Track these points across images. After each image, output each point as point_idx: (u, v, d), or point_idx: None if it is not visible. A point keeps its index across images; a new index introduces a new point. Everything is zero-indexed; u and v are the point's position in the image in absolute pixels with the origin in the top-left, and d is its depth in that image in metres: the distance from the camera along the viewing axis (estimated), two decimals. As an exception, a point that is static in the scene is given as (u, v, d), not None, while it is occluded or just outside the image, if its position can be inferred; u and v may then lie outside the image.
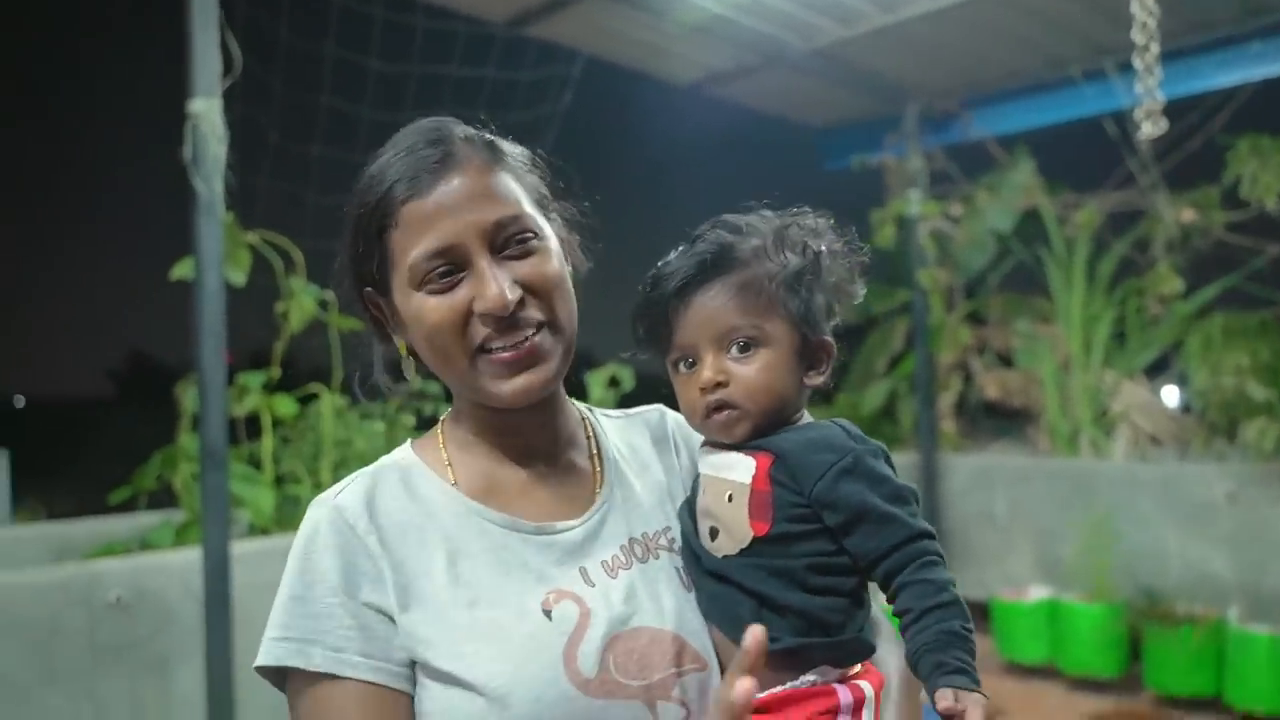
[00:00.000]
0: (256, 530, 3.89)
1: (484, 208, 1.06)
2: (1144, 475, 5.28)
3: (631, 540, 1.15)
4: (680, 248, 1.17)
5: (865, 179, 6.55)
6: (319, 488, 4.07)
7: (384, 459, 1.16)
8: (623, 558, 1.12)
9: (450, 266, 1.05)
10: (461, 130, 1.12)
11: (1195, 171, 5.57)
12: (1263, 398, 4.79)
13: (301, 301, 3.93)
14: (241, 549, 3.40)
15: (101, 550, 3.68)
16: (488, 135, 1.14)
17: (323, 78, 3.70)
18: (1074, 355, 6.09)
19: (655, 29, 4.96)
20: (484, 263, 1.05)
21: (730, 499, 1.11)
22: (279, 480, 4.14)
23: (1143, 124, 3.38)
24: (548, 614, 1.04)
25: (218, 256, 3.25)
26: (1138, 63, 3.41)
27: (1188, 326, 5.52)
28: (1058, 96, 5.66)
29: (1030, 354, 6.33)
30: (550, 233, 1.12)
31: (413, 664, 1.02)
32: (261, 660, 1.02)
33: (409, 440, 1.20)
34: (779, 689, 1.05)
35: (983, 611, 5.54)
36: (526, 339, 1.06)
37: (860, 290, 1.18)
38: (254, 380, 3.93)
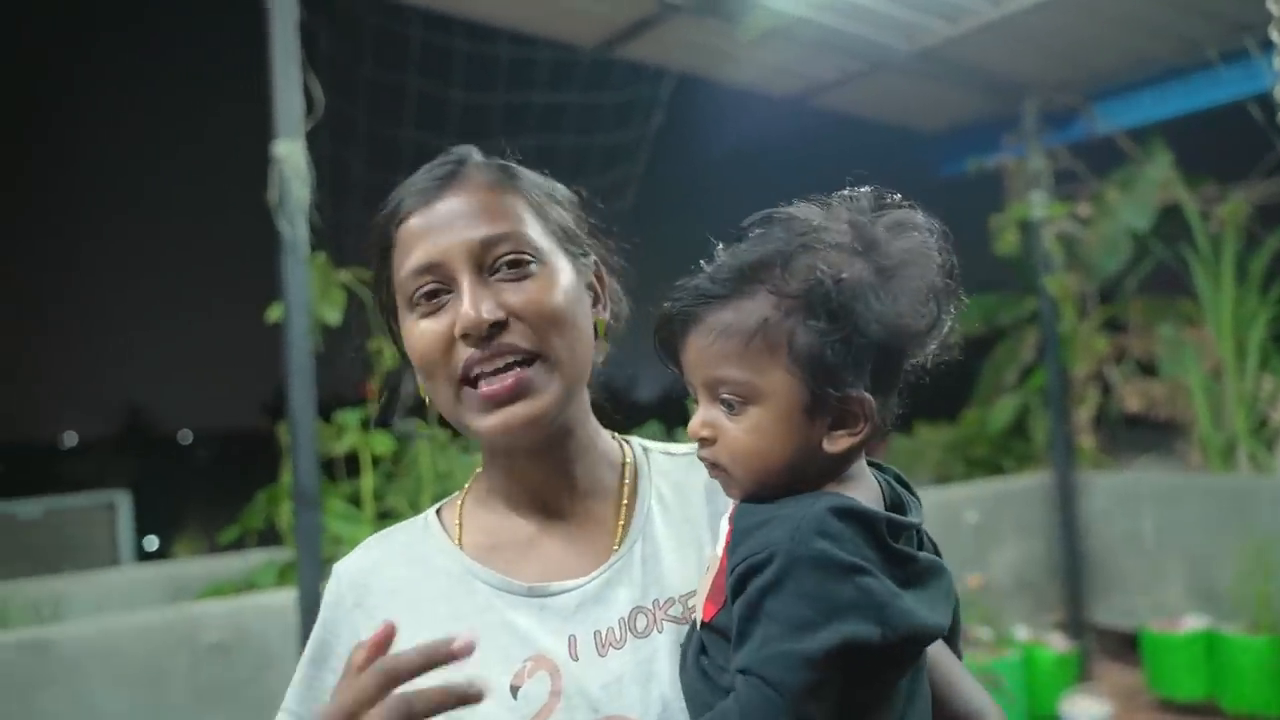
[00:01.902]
0: (358, 568, 3.89)
1: (475, 225, 0.99)
2: (1312, 492, 4.77)
3: (636, 610, 1.01)
4: (720, 247, 0.94)
5: (983, 184, 6.20)
6: (419, 524, 4.05)
7: (409, 520, 1.13)
8: (618, 633, 0.99)
9: (437, 286, 0.99)
10: (478, 155, 1.07)
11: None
12: None
13: (395, 337, 3.92)
14: (338, 589, 3.39)
15: (210, 591, 3.74)
16: (506, 161, 1.08)
17: (406, 111, 3.71)
18: (1226, 361, 5.59)
19: (746, 41, 4.80)
20: (466, 282, 0.97)
21: (707, 569, 0.95)
22: (381, 516, 4.14)
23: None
24: (514, 691, 0.96)
25: (305, 298, 3.26)
26: (1276, 36, 3.06)
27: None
28: (1192, 81, 5.23)
29: (1176, 361, 5.84)
30: (560, 264, 1.03)
31: None
32: None
33: (445, 499, 1.16)
34: None
35: (1131, 643, 5.11)
36: (511, 369, 0.97)
37: (932, 323, 0.89)
38: (351, 418, 3.95)
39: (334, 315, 3.75)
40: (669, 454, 1.15)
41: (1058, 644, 5.05)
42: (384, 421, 3.83)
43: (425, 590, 1.03)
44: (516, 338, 0.97)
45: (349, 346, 4.04)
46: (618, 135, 4.14)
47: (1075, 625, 5.40)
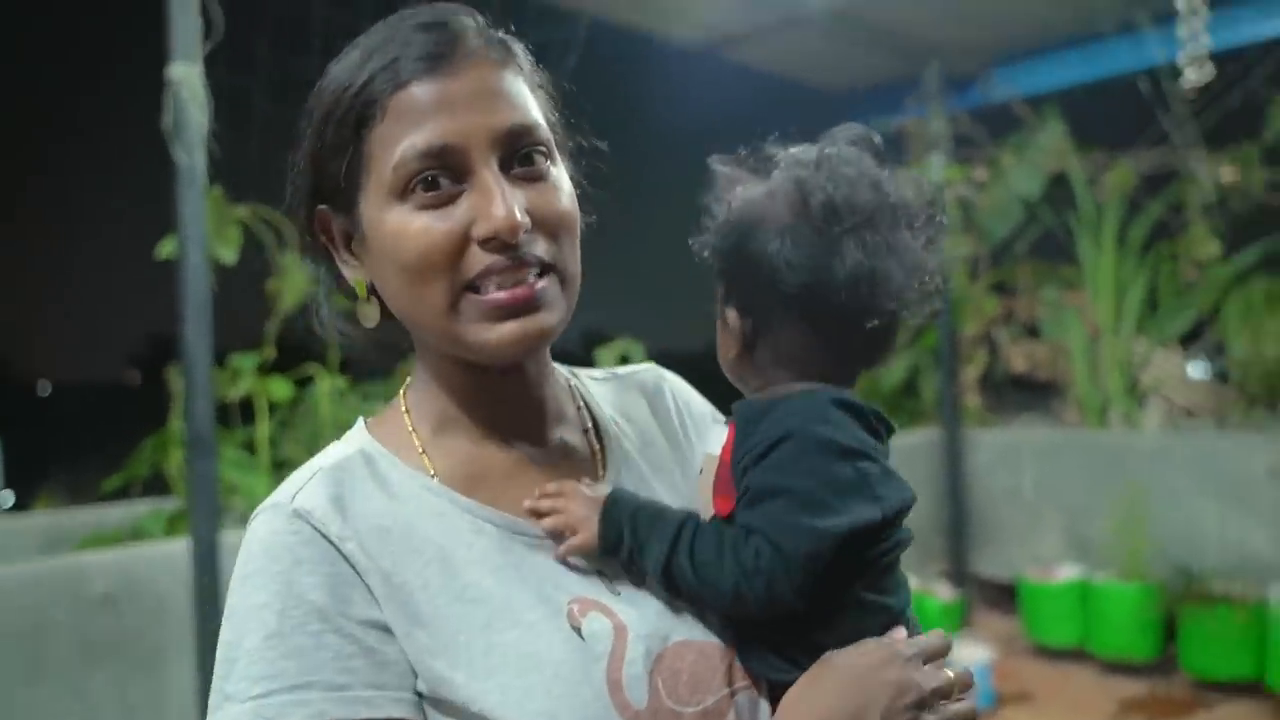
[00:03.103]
0: (253, 518, 3.75)
1: (496, 109, 0.85)
2: (1179, 448, 5.06)
3: None
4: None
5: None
6: (318, 473, 3.92)
7: (337, 447, 0.94)
8: None
9: (444, 174, 0.84)
10: (475, 19, 0.91)
11: (1234, 129, 5.30)
12: (1307, 367, 4.56)
13: (295, 279, 3.76)
14: (234, 538, 3.27)
15: (90, 541, 3.54)
16: (503, 35, 0.93)
17: (311, 41, 3.50)
18: (1104, 324, 5.85)
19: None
20: (490, 174, 0.84)
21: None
22: (277, 466, 3.99)
23: (1186, 71, 3.14)
24: (578, 631, 0.85)
25: (202, 232, 3.08)
26: (1181, 4, 3.17)
27: (1225, 292, 5.27)
28: (1087, 53, 5.41)
29: (1058, 324, 6.10)
30: (562, 164, 0.93)
31: (420, 696, 0.83)
32: None
33: (360, 421, 0.98)
34: None
35: (1010, 592, 5.36)
36: (528, 280, 0.86)
37: (900, 275, 0.91)
38: (247, 362, 3.78)
39: (229, 254, 3.57)
40: (593, 379, 1.11)
41: (943, 593, 5.26)
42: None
43: (422, 531, 0.88)
44: (536, 247, 0.86)
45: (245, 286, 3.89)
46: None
47: (959, 575, 5.63)
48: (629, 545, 0.89)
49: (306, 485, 0.87)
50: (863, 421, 0.92)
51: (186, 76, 3.05)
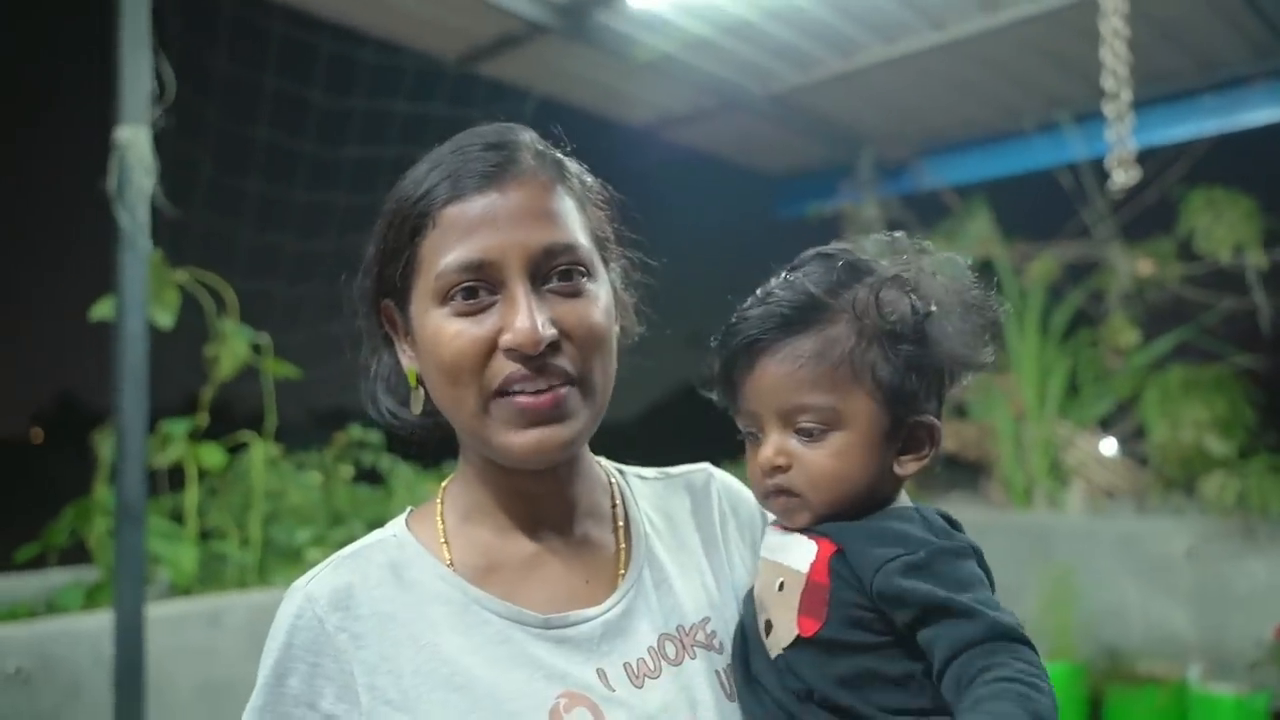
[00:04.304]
0: (178, 590, 3.61)
1: (535, 228, 0.91)
2: (1103, 530, 5.20)
3: (663, 638, 0.97)
4: (774, 280, 0.98)
5: (822, 228, 6.49)
6: (247, 543, 3.81)
7: (375, 534, 1.01)
8: (651, 663, 0.94)
9: (482, 285, 0.90)
10: (531, 139, 0.98)
11: (1150, 224, 5.59)
12: (1221, 452, 4.74)
13: (233, 345, 3.69)
14: (159, 611, 3.14)
15: (3, 614, 3.37)
16: (558, 154, 0.99)
17: (262, 109, 3.51)
18: (1028, 407, 6.03)
19: (608, 69, 4.86)
20: (521, 290, 0.90)
21: (781, 587, 0.93)
22: (204, 536, 3.86)
23: (1114, 172, 3.32)
24: None
25: (141, 295, 3.03)
26: (1109, 111, 3.36)
27: (1143, 379, 5.49)
28: (1012, 147, 5.67)
29: (985, 405, 6.27)
30: (604, 278, 0.97)
31: None
32: None
33: (407, 510, 1.04)
34: None
35: (941, 670, 5.37)
36: (551, 388, 0.90)
37: (986, 357, 0.97)
38: (179, 428, 3.67)
39: (167, 318, 3.50)
40: (641, 478, 1.13)
41: (875, 671, 5.26)
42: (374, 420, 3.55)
43: (426, 618, 0.93)
44: (565, 359, 0.91)
45: (180, 352, 3.81)
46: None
47: (890, 652, 5.64)
48: None
49: (324, 572, 0.95)
50: (960, 529, 0.98)
51: (133, 139, 3.02)
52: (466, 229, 0.91)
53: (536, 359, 0.89)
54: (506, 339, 0.89)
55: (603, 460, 1.11)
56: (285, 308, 3.87)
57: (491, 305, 0.91)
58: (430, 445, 1.06)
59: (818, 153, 6.16)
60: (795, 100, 5.36)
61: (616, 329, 1.01)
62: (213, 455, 3.75)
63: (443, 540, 0.99)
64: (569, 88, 5.12)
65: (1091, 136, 4.91)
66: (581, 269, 0.93)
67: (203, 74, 3.46)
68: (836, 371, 0.92)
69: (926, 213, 6.35)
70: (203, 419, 3.78)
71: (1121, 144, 3.22)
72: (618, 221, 1.05)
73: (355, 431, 4.37)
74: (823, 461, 0.93)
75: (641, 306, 1.08)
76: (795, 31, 4.62)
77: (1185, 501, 5.19)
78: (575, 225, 0.95)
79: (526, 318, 0.88)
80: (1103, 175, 3.92)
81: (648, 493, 1.11)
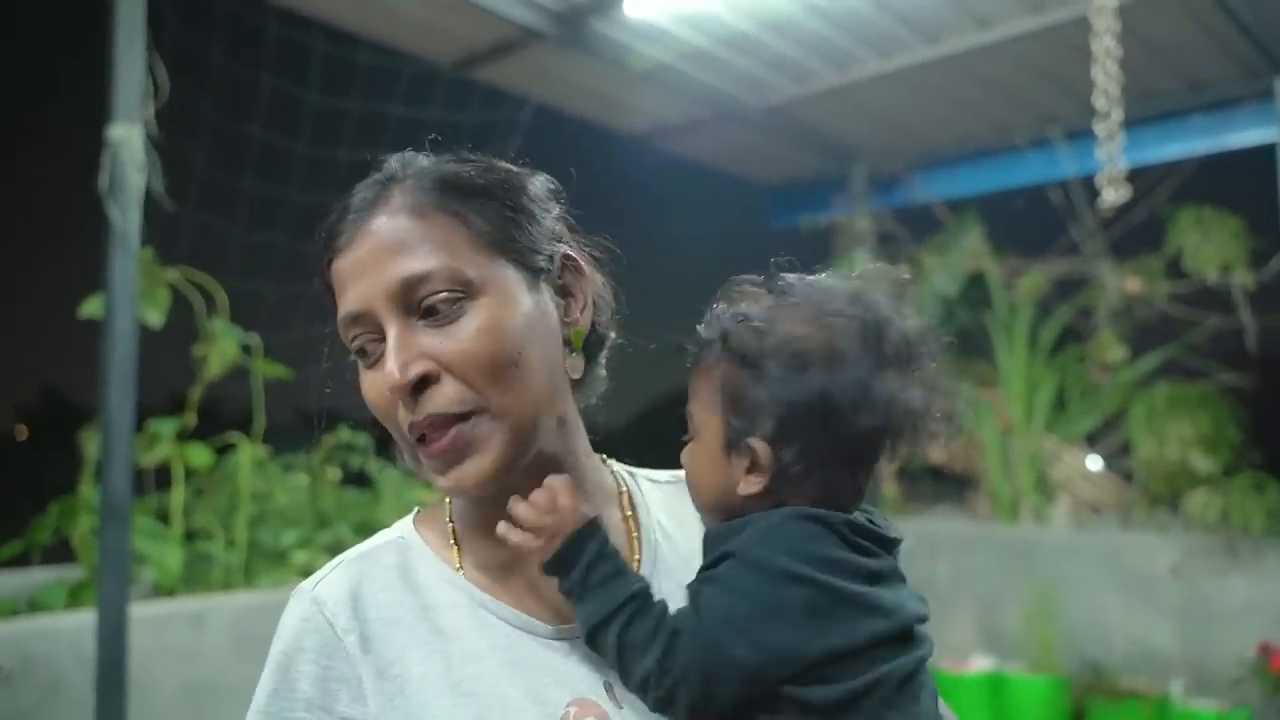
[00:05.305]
0: (162, 590, 3.60)
1: (392, 264, 0.88)
2: (1087, 545, 5.23)
3: None
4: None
5: (814, 239, 6.51)
6: (233, 544, 3.80)
7: (382, 534, 1.00)
8: None
9: (370, 336, 0.90)
10: (416, 166, 0.94)
11: (1138, 242, 5.64)
12: (1205, 469, 4.77)
13: (223, 345, 3.69)
14: (143, 611, 3.13)
15: (-16, 611, 3.35)
16: (451, 165, 0.94)
17: (256, 109, 3.51)
18: (1015, 421, 6.06)
19: (605, 77, 4.87)
20: (392, 332, 0.88)
21: None
22: (189, 536, 3.85)
23: (1104, 190, 3.35)
24: None
25: (131, 294, 3.02)
26: (1099, 129, 3.39)
27: (1129, 395, 5.52)
28: (1003, 163, 5.69)
29: (972, 418, 6.29)
30: (503, 288, 0.90)
31: None
32: None
33: (415, 510, 1.03)
34: None
35: (925, 682, 5.38)
36: (447, 426, 0.87)
37: (883, 403, 0.88)
38: (166, 428, 3.66)
39: (156, 316, 3.50)
40: (654, 481, 1.11)
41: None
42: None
43: (434, 623, 0.91)
44: (447, 397, 0.87)
45: (169, 351, 3.80)
46: (474, 156, 4.07)
47: (874, 664, 5.64)
48: (574, 584, 0.86)
49: (330, 574, 0.94)
50: (836, 535, 0.86)
51: (126, 137, 3.01)
52: (345, 282, 0.91)
53: (415, 400, 0.87)
54: (384, 389, 0.88)
55: (613, 464, 1.09)
56: (276, 309, 3.87)
57: (383, 354, 0.89)
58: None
59: (811, 164, 6.18)
60: (790, 112, 5.38)
61: (584, 319, 0.98)
62: (200, 455, 3.74)
63: (452, 543, 0.98)
64: (565, 95, 5.13)
65: (1082, 154, 4.95)
66: (457, 291, 0.88)
67: (197, 73, 3.46)
68: (705, 384, 0.93)
69: (919, 226, 6.39)
70: (190, 419, 3.78)
71: (1112, 162, 3.25)
72: (571, 210, 1.02)
73: (343, 434, 4.36)
74: (689, 465, 0.96)
75: (620, 295, 1.05)
76: (791, 44, 4.64)
77: (1169, 518, 5.22)
78: (448, 245, 0.89)
79: (391, 363, 0.87)
80: (1093, 192, 3.96)
81: (659, 496, 1.09)
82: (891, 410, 0.88)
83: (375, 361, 0.90)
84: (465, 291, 0.88)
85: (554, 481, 0.89)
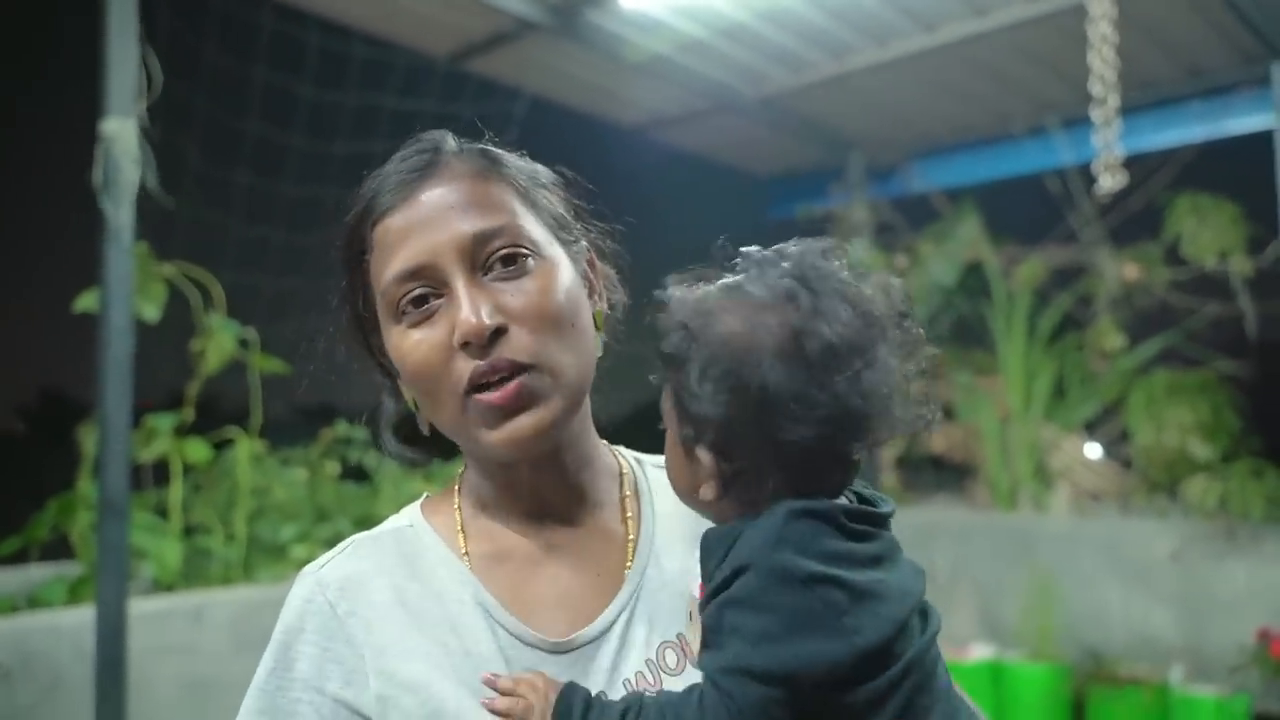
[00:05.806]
0: (161, 586, 3.59)
1: (463, 218, 0.91)
2: (1086, 532, 5.23)
3: (664, 646, 0.95)
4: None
5: (812, 229, 6.48)
6: (232, 539, 3.80)
7: (390, 522, 1.02)
8: (650, 675, 0.93)
9: (427, 290, 0.90)
10: (455, 142, 0.98)
11: (1136, 229, 5.63)
12: (1204, 456, 4.77)
13: (220, 340, 3.68)
14: (142, 607, 3.13)
15: (-17, 608, 3.35)
16: (486, 146, 0.99)
17: (251, 102, 3.49)
18: (1014, 409, 6.06)
19: (600, 69, 4.85)
20: (461, 283, 0.90)
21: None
22: (188, 531, 3.85)
23: (1101, 176, 3.34)
24: None
25: (126, 289, 3.01)
26: (1096, 116, 3.38)
27: (1128, 382, 5.52)
28: (1001, 151, 5.69)
29: (971, 407, 6.29)
30: (558, 257, 0.95)
31: None
32: None
33: (424, 495, 1.04)
34: None
35: (925, 671, 5.39)
36: (512, 377, 0.88)
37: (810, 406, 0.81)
38: (164, 423, 3.65)
39: (152, 311, 3.48)
40: (659, 467, 1.10)
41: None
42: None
43: (439, 612, 0.92)
44: (516, 347, 0.89)
45: (166, 346, 3.79)
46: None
47: (874, 653, 5.65)
48: None
49: (337, 556, 0.96)
50: (833, 525, 0.82)
51: (120, 132, 3.00)
52: (399, 239, 0.91)
53: (488, 349, 0.88)
54: (456, 335, 0.88)
55: (621, 449, 1.10)
56: (272, 302, 3.86)
57: (440, 308, 0.91)
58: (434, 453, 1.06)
59: (808, 155, 6.17)
60: (786, 102, 5.37)
61: (603, 305, 1.02)
62: (198, 450, 3.74)
63: (459, 529, 0.99)
64: (560, 87, 5.11)
65: (1079, 141, 4.94)
66: (524, 250, 0.92)
67: (191, 66, 3.44)
68: (670, 385, 0.89)
69: (916, 215, 6.38)
70: (188, 414, 3.77)
71: (1109, 149, 3.24)
72: (577, 198, 1.05)
73: (341, 428, 4.36)
74: (667, 457, 0.94)
75: (624, 277, 1.08)
76: (787, 34, 4.63)
77: (1169, 505, 5.22)
78: (511, 208, 0.94)
79: (469, 310, 0.88)
80: (1090, 180, 3.96)
81: (664, 480, 1.06)
82: (835, 411, 0.82)
83: (428, 318, 0.90)
84: (531, 251, 0.92)
85: (524, 679, 0.88)
